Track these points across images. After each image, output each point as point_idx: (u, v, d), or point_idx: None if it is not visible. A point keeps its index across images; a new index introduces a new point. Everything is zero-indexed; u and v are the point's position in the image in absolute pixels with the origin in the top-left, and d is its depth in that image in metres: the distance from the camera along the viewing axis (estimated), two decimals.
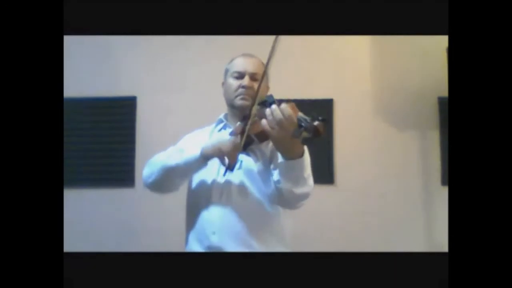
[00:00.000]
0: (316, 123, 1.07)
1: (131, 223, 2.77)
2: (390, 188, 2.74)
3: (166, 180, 1.40)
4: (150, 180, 1.43)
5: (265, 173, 1.35)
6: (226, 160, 1.30)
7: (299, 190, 1.23)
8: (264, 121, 1.15)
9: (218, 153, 1.29)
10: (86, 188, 2.84)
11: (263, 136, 1.30)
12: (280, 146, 1.17)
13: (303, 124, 1.09)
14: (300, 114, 1.12)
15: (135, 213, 2.73)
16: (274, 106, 1.13)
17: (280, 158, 1.20)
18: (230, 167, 1.30)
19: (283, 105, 1.12)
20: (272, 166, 1.32)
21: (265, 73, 1.36)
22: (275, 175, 1.25)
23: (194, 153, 1.32)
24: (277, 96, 1.22)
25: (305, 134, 1.10)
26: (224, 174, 1.34)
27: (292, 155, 1.17)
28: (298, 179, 1.21)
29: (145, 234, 2.70)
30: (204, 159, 1.31)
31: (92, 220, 2.79)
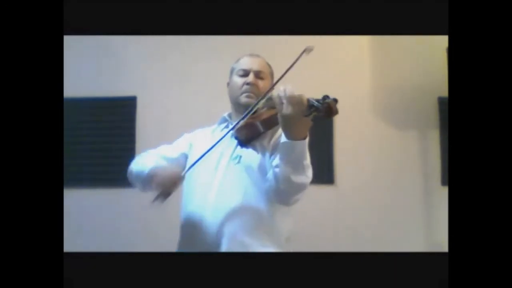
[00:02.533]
0: (328, 100, 1.08)
1: (131, 223, 2.76)
2: (390, 188, 2.74)
3: (132, 181, 1.48)
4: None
5: (265, 168, 1.34)
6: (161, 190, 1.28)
7: (296, 178, 1.21)
8: (274, 94, 1.17)
9: (156, 180, 1.30)
10: (86, 188, 2.84)
11: (269, 122, 1.31)
12: (286, 124, 1.17)
13: (314, 104, 1.10)
14: (311, 97, 1.14)
15: (135, 213, 2.73)
16: (288, 85, 1.16)
17: (283, 139, 1.20)
18: (158, 199, 1.27)
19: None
20: (272, 156, 1.32)
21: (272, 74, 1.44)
22: (275, 160, 1.25)
23: (147, 166, 1.37)
24: None
25: (315, 114, 1.11)
26: (153, 201, 1.30)
27: (296, 136, 1.17)
28: (298, 165, 1.20)
29: (145, 234, 2.70)
30: (149, 179, 1.33)
31: (92, 220, 2.79)
